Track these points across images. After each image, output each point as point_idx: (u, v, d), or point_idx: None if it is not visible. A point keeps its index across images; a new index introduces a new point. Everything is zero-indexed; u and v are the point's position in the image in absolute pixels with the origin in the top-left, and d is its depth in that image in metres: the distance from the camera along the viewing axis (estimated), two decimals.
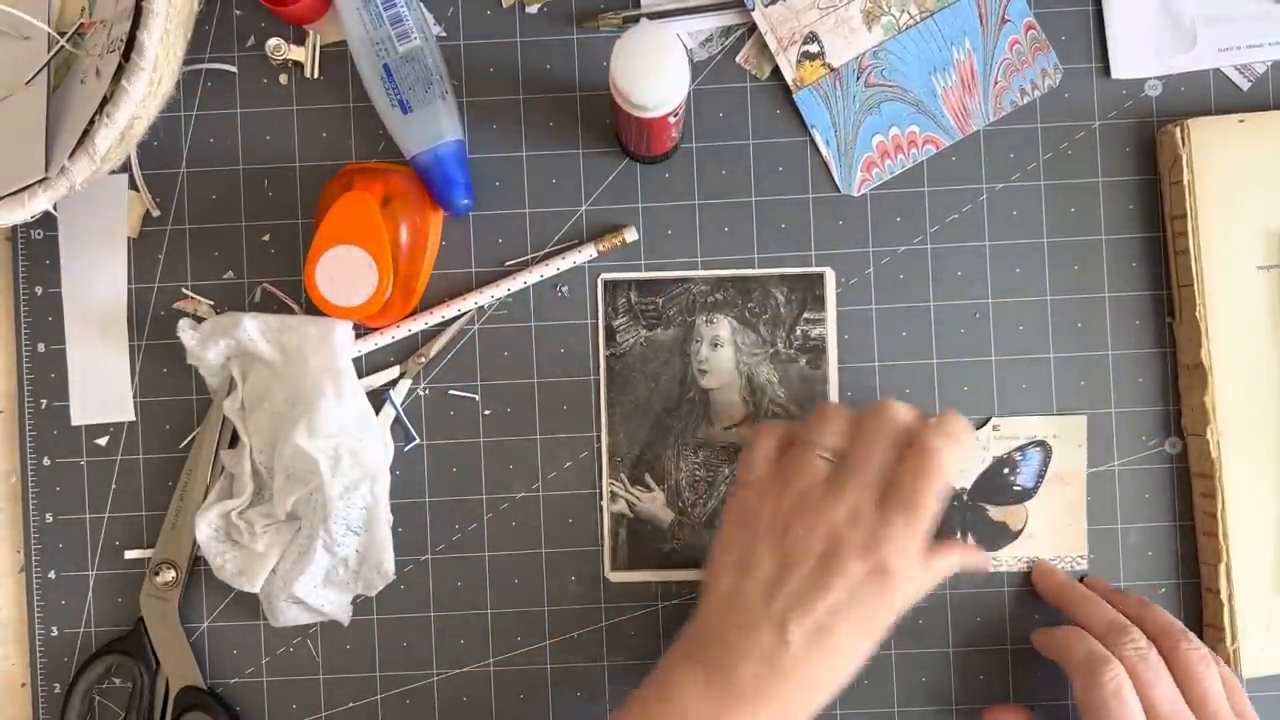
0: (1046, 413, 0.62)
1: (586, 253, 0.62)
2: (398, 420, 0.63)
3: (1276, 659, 0.60)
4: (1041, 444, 0.62)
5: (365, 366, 0.63)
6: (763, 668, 0.51)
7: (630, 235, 0.63)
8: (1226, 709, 0.54)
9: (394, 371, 0.63)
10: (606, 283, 0.61)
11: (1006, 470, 0.62)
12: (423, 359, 0.63)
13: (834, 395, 0.63)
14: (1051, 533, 0.62)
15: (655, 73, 0.52)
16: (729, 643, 0.52)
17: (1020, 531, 0.62)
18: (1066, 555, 0.62)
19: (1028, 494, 0.62)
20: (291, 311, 0.63)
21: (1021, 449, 0.62)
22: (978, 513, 0.62)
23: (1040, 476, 0.62)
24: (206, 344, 0.61)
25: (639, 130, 0.57)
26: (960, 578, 0.62)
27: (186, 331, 0.62)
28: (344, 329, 0.61)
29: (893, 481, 0.53)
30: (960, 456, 0.53)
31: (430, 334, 0.63)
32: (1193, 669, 0.55)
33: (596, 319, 0.62)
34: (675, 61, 0.52)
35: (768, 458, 0.56)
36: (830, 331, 0.63)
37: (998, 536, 0.62)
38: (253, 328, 0.61)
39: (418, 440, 0.63)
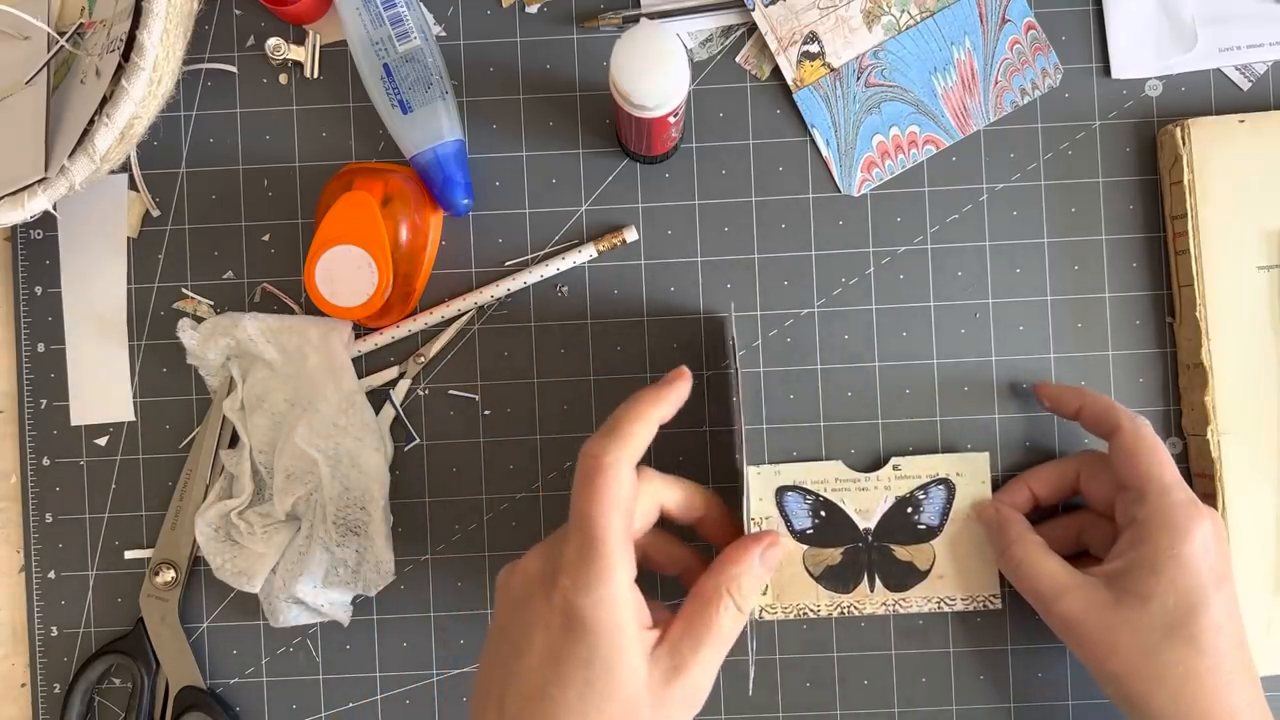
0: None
1: (586, 253, 0.62)
2: (398, 420, 0.63)
3: (1276, 659, 0.60)
4: (944, 482, 0.61)
5: (365, 366, 0.63)
6: None
7: (630, 235, 0.63)
8: None
9: (394, 371, 0.63)
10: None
11: (910, 509, 0.62)
12: (423, 359, 0.63)
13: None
14: (962, 572, 0.61)
15: (655, 73, 0.52)
16: None
17: (929, 571, 0.61)
18: (978, 595, 0.61)
19: (933, 532, 0.61)
20: (291, 311, 0.63)
21: (924, 487, 0.61)
22: (883, 553, 0.62)
23: (945, 515, 0.61)
24: (206, 344, 0.61)
25: (639, 130, 0.57)
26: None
27: (186, 331, 0.62)
28: (344, 329, 0.61)
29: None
30: (602, 476, 0.45)
31: (430, 334, 0.63)
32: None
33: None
34: (675, 61, 0.52)
35: None
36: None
37: (905, 576, 0.61)
38: (253, 328, 0.61)
39: (418, 440, 0.63)
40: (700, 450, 0.63)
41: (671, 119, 0.56)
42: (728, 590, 0.46)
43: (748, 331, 0.63)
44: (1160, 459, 0.54)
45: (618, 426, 0.46)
